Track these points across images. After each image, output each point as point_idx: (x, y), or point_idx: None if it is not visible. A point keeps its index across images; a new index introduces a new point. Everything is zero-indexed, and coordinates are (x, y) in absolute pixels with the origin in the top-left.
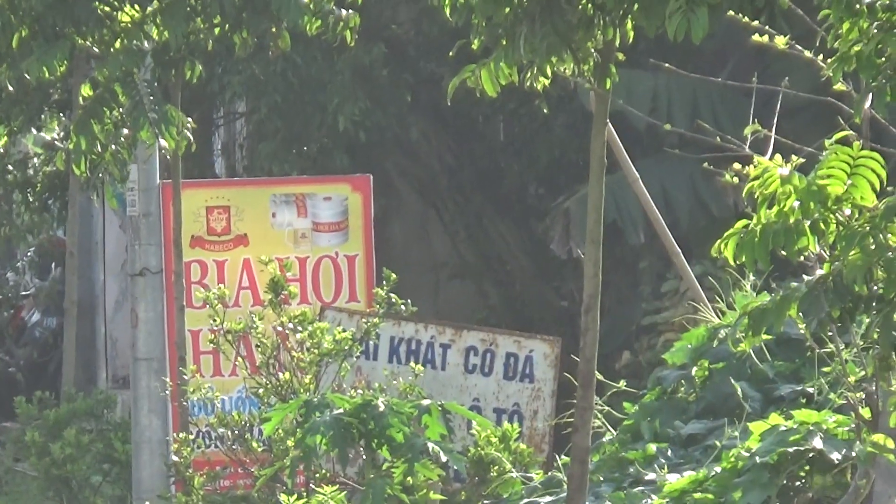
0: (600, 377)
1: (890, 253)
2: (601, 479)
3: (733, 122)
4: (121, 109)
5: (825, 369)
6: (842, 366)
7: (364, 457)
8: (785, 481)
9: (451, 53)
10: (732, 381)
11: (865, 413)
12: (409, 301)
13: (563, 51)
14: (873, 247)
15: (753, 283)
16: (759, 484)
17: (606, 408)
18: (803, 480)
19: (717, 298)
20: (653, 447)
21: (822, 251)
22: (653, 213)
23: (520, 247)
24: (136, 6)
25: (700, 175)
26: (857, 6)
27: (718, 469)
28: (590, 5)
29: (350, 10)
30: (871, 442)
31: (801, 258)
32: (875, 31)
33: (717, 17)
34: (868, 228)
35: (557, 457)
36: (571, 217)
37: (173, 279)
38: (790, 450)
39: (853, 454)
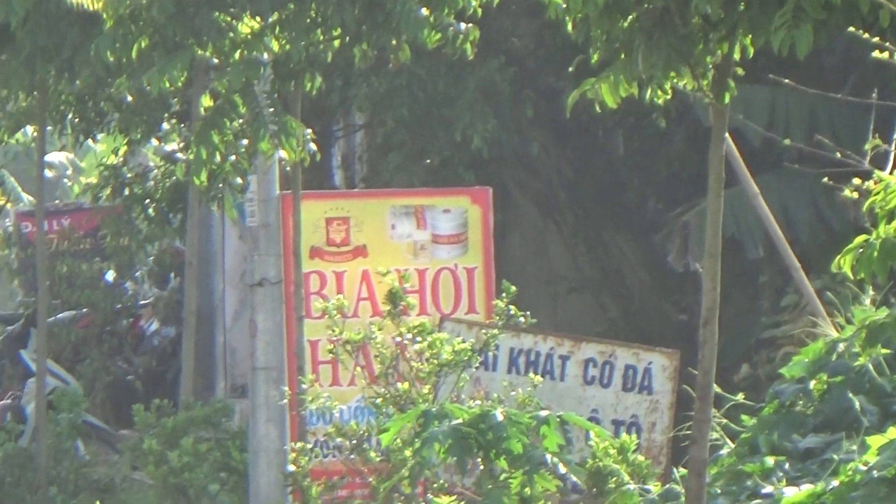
0: (718, 390)
1: None
2: (718, 491)
3: (853, 137)
4: (240, 120)
5: None
6: None
7: (481, 467)
8: None
9: (570, 69)
10: (850, 394)
11: None
12: (527, 313)
13: (680, 65)
14: None
15: (873, 298)
16: (877, 498)
17: (724, 420)
18: None
19: (837, 313)
20: (770, 460)
21: None
22: (772, 227)
23: (638, 260)
24: (257, 17)
25: (820, 190)
26: None
27: (836, 483)
28: (699, 20)
29: (470, 24)
30: None
31: None
32: None
33: (823, 32)
34: None
35: (675, 469)
36: (690, 231)
37: (293, 289)
38: None
39: None
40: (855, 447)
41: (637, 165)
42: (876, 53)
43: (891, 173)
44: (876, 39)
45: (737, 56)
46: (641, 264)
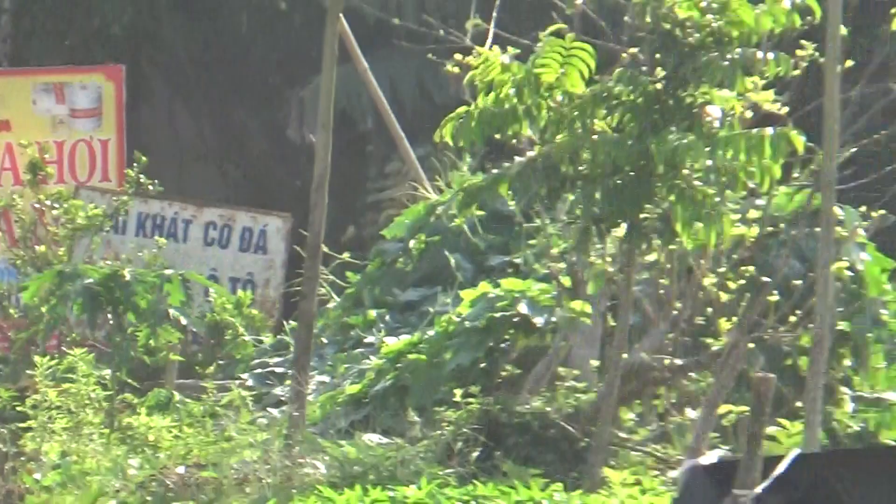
0: (326, 249)
1: (595, 136)
2: (325, 341)
3: (458, 16)
4: None
5: (531, 242)
6: (546, 239)
7: (111, 321)
8: (492, 343)
9: None
10: (447, 252)
11: (566, 282)
12: (156, 181)
13: None
14: (580, 130)
15: (470, 165)
16: (469, 346)
17: (332, 277)
18: (509, 343)
19: (437, 178)
20: (373, 313)
21: (533, 135)
22: (380, 100)
23: (259, 131)
24: None
25: (425, 66)
26: None
27: (432, 332)
28: None
29: None
30: (571, 308)
31: (515, 141)
32: None
33: None
34: (576, 114)
35: (286, 321)
36: (305, 105)
37: None
38: (497, 315)
39: (554, 319)
40: (450, 300)
41: (260, 44)
42: None
43: (490, 49)
44: None
45: None
46: (262, 135)
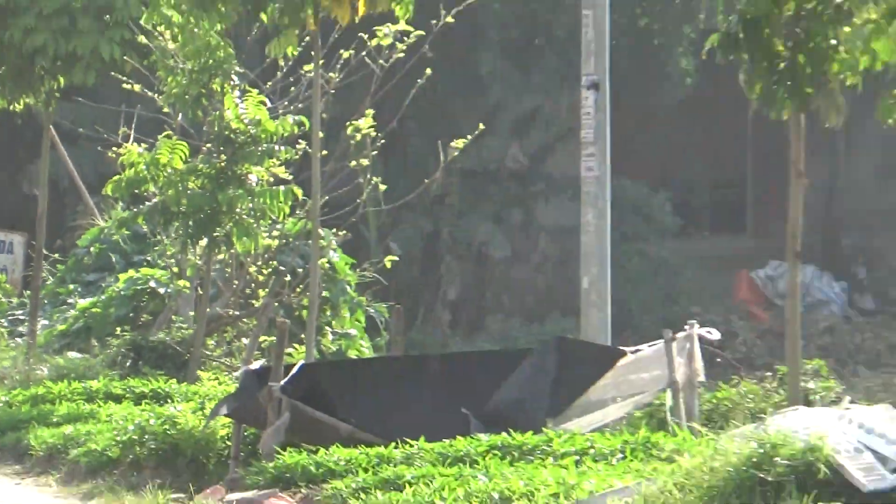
0: (47, 252)
1: (189, 191)
2: (46, 302)
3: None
4: None
5: (156, 248)
6: (164, 247)
7: None
8: (136, 304)
9: None
10: (111, 254)
11: (175, 270)
12: None
13: None
14: (181, 188)
15: (122, 206)
16: (124, 305)
17: (49, 268)
18: (145, 303)
19: (105, 214)
20: (72, 287)
21: (156, 190)
22: (74, 175)
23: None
24: None
25: (99, 155)
26: None
27: (104, 297)
28: None
29: None
30: (178, 284)
31: (146, 194)
32: None
33: None
34: (178, 179)
35: (25, 291)
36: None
37: None
38: (139, 288)
39: (170, 290)
40: (112, 280)
41: None
42: None
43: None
44: None
45: None
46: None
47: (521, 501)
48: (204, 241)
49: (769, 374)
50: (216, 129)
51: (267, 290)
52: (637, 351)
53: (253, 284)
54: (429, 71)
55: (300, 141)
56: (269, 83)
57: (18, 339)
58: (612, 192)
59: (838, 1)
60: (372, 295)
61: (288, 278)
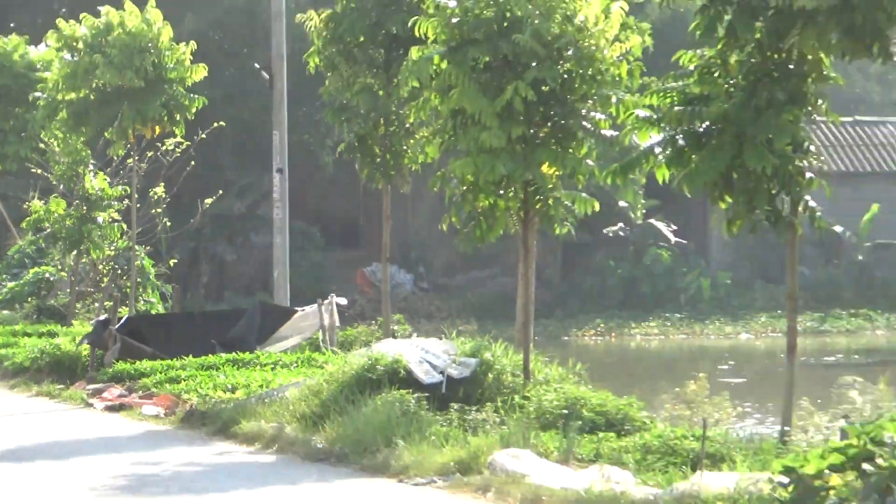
0: None
1: None
2: None
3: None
4: None
5: (49, 256)
6: (54, 255)
7: None
8: (37, 290)
9: None
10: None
11: None
12: None
13: None
14: None
15: None
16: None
17: None
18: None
19: None
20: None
21: None
22: None
23: None
24: None
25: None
26: None
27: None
28: None
29: None
30: (60, 275)
31: None
32: None
33: None
34: None
35: None
36: None
37: None
38: (41, 277)
39: (56, 278)
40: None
41: None
42: None
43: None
44: None
45: None
46: None
47: (243, 388)
48: (74, 252)
49: (374, 322)
50: (81, 192)
51: (108, 278)
52: (304, 309)
53: (101, 275)
54: (192, 163)
55: (125, 199)
56: (109, 168)
57: None
58: (289, 226)
59: (408, 126)
60: (163, 280)
61: (119, 272)
